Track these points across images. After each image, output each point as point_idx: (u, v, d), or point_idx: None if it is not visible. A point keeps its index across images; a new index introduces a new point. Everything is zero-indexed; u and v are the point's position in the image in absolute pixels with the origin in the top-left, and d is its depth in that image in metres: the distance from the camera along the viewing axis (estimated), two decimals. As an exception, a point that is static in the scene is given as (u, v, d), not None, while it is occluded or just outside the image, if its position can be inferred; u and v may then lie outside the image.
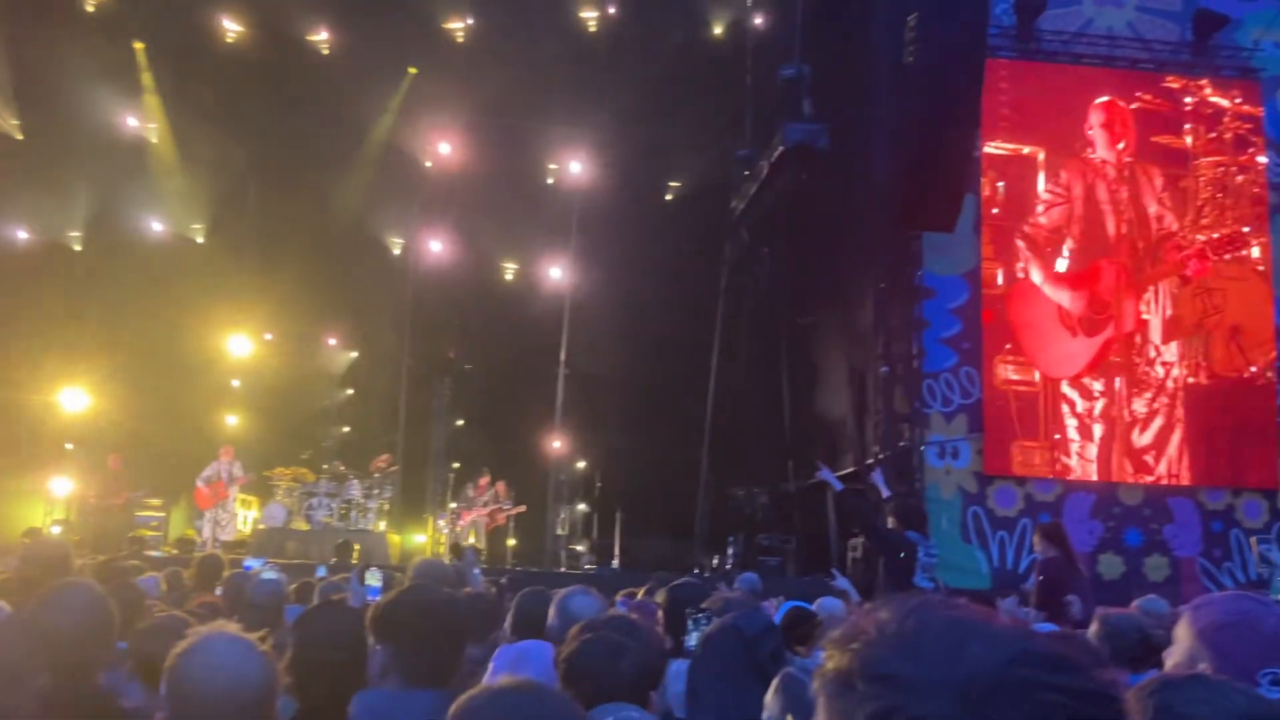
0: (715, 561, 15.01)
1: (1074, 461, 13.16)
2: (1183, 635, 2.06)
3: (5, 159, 16.23)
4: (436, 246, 18.09)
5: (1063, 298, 13.42)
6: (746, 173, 15.72)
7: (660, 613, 3.90)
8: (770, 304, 16.38)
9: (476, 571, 6.43)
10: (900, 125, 12.28)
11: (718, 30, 16.35)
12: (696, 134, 16.91)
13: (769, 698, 2.26)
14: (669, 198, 18.35)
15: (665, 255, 17.31)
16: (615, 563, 15.32)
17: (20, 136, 16.47)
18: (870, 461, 13.46)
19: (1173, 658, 2.07)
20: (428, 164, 17.81)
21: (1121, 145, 13.70)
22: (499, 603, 4.22)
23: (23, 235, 17.13)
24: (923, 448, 13.00)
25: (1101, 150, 13.70)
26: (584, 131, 17.03)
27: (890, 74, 12.81)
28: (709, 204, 17.41)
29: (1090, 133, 13.74)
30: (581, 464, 17.30)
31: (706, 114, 16.64)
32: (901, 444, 13.17)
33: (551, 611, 3.57)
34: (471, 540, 15.34)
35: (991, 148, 13.51)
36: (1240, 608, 2.04)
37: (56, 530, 13.98)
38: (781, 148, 13.07)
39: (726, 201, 16.91)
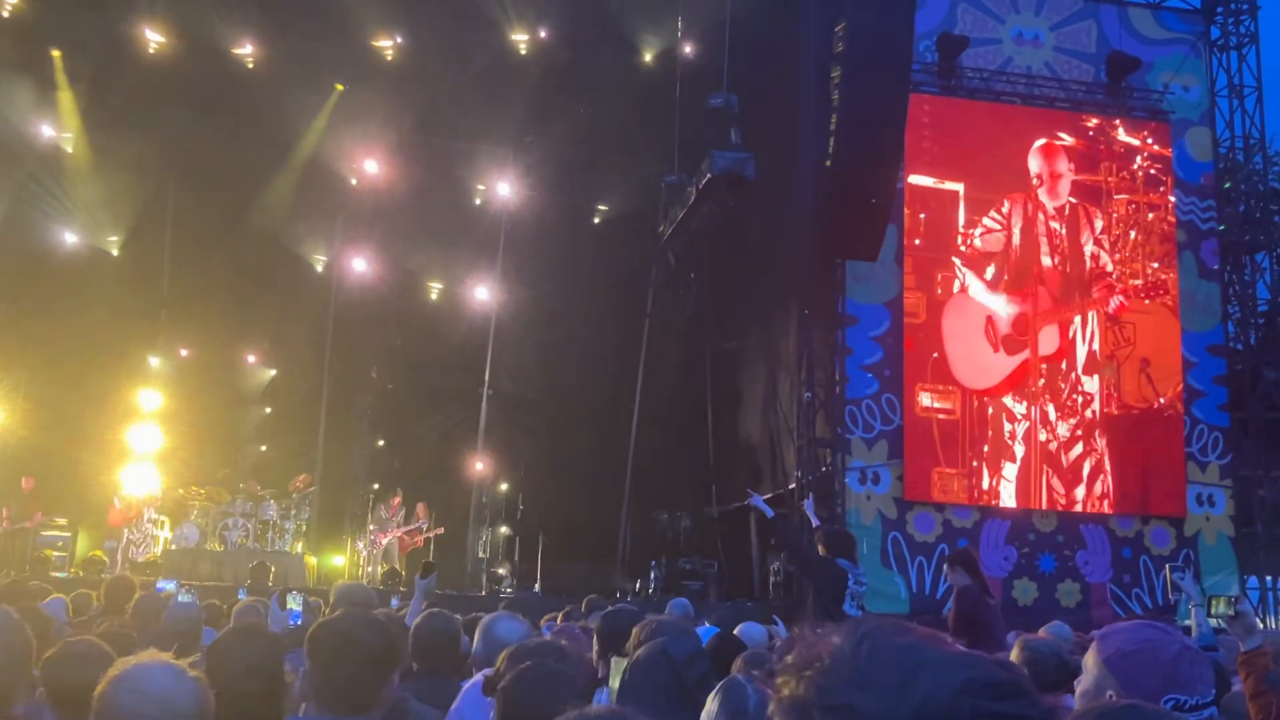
0: (638, 586, 15.00)
1: (993, 483, 13.44)
2: (1091, 663, 2.13)
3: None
4: (360, 264, 17.85)
5: (997, 303, 13.76)
6: (674, 198, 15.84)
7: (594, 639, 3.88)
8: (695, 328, 16.50)
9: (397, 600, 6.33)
10: (825, 156, 12.51)
11: (648, 57, 16.48)
12: (625, 158, 17.00)
13: (709, 704, 2.26)
14: (596, 220, 18.41)
15: (592, 278, 17.35)
16: (537, 586, 15.21)
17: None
18: (793, 486, 13.62)
19: (1082, 684, 2.13)
20: (353, 181, 17.60)
21: (1061, 187, 14.16)
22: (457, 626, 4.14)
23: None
24: (845, 473, 13.18)
25: (1042, 190, 14.13)
26: (512, 153, 17.02)
27: (816, 106, 13.06)
28: (636, 228, 17.49)
29: (1031, 175, 14.15)
30: (504, 486, 17.18)
31: (635, 139, 16.75)
32: (823, 469, 13.34)
33: (476, 636, 3.52)
34: (392, 564, 15.12)
35: (914, 179, 13.82)
36: (1143, 636, 2.10)
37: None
38: (709, 175, 13.21)
39: (654, 226, 17.00)
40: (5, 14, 15.44)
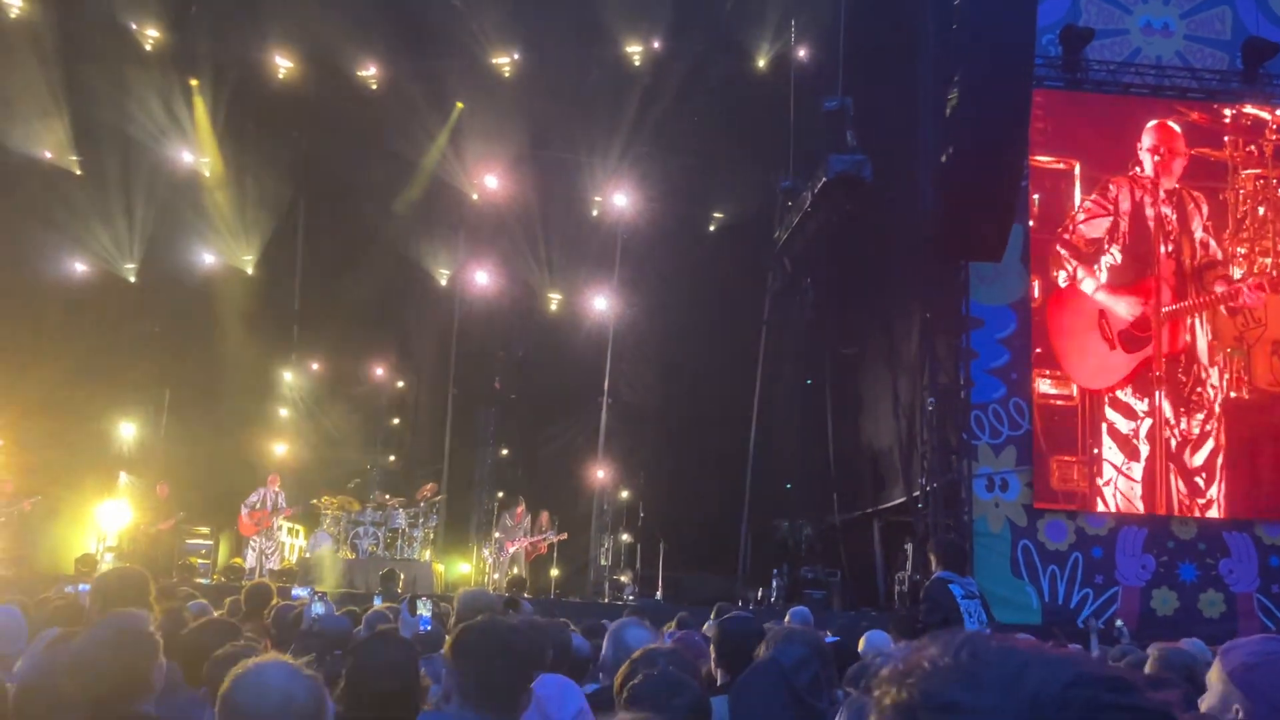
0: (759, 594, 14.90)
1: (1117, 481, 12.93)
2: (1215, 678, 2.10)
3: (65, 194, 16.62)
4: (482, 277, 18.27)
5: (1119, 305, 13.25)
6: (790, 203, 15.74)
7: (711, 647, 3.88)
8: (813, 334, 16.33)
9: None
10: (944, 156, 12.25)
11: (761, 63, 16.41)
12: (739, 165, 16.98)
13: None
14: (712, 228, 18.40)
15: (708, 285, 17.35)
16: (659, 594, 15.25)
17: (79, 172, 16.86)
18: (917, 494, 13.35)
19: (1206, 700, 2.09)
20: (474, 196, 18.01)
21: (1175, 166, 13.59)
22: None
23: (80, 268, 17.49)
24: (971, 480, 12.86)
25: (1150, 170, 13.60)
26: (628, 163, 17.16)
27: (934, 104, 12.81)
28: (752, 234, 17.44)
29: (1141, 153, 13.63)
30: (625, 494, 17.29)
31: (749, 145, 16.70)
32: (949, 476, 13.03)
33: (605, 642, 3.57)
34: (515, 571, 15.36)
35: (1030, 160, 13.40)
36: (1267, 649, 2.07)
37: (109, 558, 14.18)
38: (825, 178, 13.08)
39: (769, 232, 16.93)
40: (149, 47, 16.30)
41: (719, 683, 3.83)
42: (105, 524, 15.34)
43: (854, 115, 12.97)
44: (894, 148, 13.73)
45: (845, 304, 16.04)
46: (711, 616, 6.79)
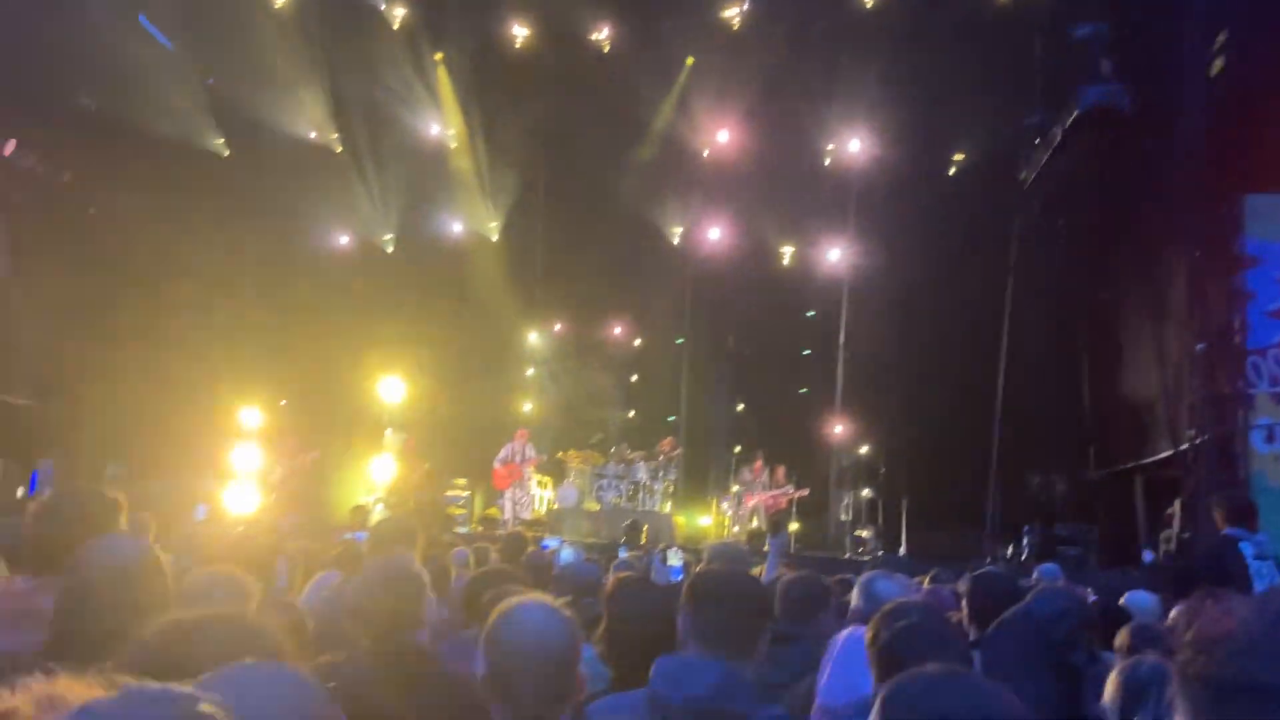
0: (1009, 552, 14.35)
1: None
2: None
3: (327, 170, 17.93)
4: (715, 233, 18.33)
5: None
6: (1037, 140, 14.87)
7: (964, 601, 3.76)
8: (1066, 279, 15.43)
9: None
10: (1214, 80, 11.20)
11: (1002, -7, 15.52)
12: (980, 103, 16.08)
13: (1110, 686, 2.11)
14: (952, 172, 17.63)
15: (949, 232, 16.65)
16: (902, 550, 14.97)
17: (339, 149, 18.14)
18: (1185, 447, 12.43)
19: None
20: (705, 152, 18.04)
21: None
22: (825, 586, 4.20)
23: (343, 239, 18.89)
24: (1248, 432, 11.82)
25: None
26: (862, 109, 16.68)
27: (1201, 23, 11.72)
28: (996, 176, 16.61)
29: None
30: (864, 449, 17.01)
31: (991, 81, 15.81)
32: (1222, 428, 12.03)
33: (855, 593, 3.53)
34: (755, 524, 15.45)
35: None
36: None
37: (380, 509, 15.30)
38: (1076, 111, 12.25)
39: (1015, 172, 16.06)
40: (395, 25, 17.24)
41: (970, 638, 3.71)
42: (375, 477, 16.59)
43: (1109, 42, 12.07)
44: (1155, 74, 12.67)
45: (1102, 246, 15.04)
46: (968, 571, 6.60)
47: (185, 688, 0.90)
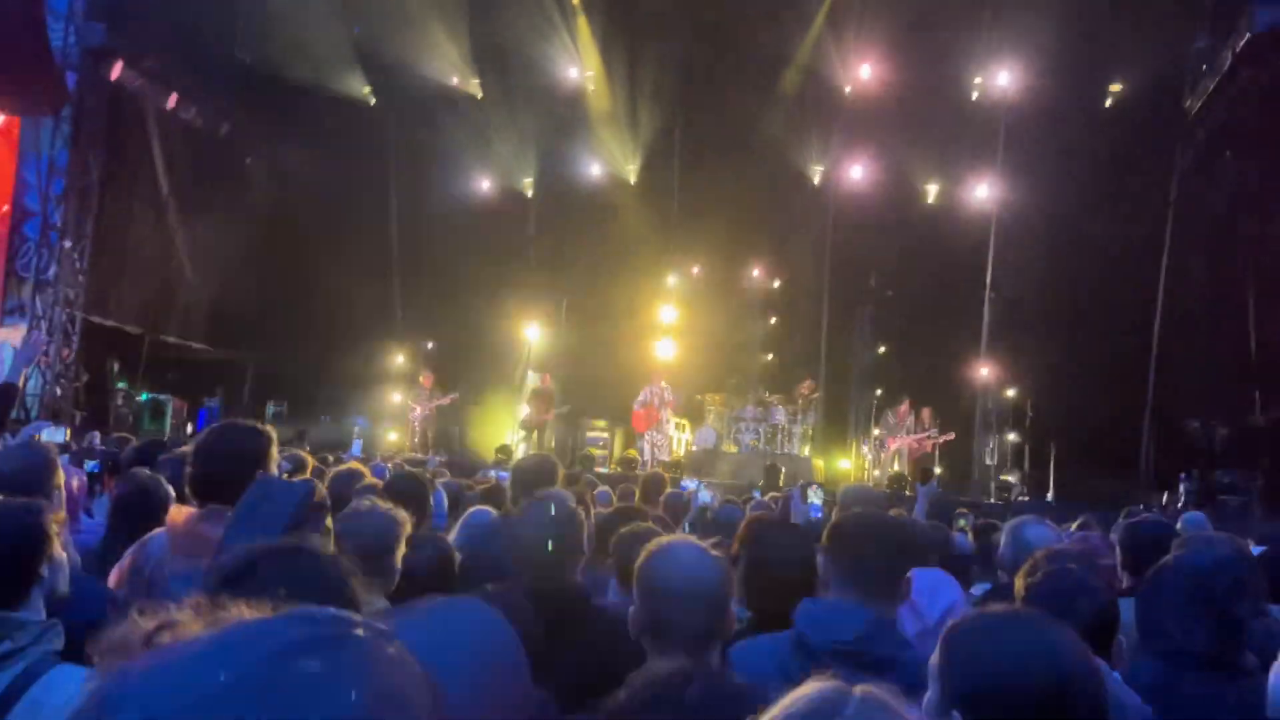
0: (1164, 499, 13.80)
1: None
2: None
3: (470, 117, 18.24)
4: (857, 172, 17.93)
5: None
6: (1204, 67, 13.98)
7: (1117, 549, 3.66)
8: (1233, 214, 14.55)
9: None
10: None
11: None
12: (1140, 27, 15.16)
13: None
14: (1109, 103, 16.74)
15: (1104, 166, 15.87)
16: (1050, 495, 14.56)
17: (480, 95, 18.40)
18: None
19: None
20: (847, 89, 17.60)
21: None
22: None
23: (485, 185, 19.23)
24: None
25: None
26: (1012, 38, 15.96)
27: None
28: (1157, 106, 15.70)
29: None
30: (1011, 392, 16.53)
31: (1153, 3, 14.91)
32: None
33: (1003, 538, 3.48)
34: (896, 468, 15.27)
35: None
36: None
37: (523, 449, 15.72)
38: (1249, 34, 11.46)
39: (1179, 101, 15.16)
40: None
41: (1124, 585, 3.61)
42: (517, 417, 17.04)
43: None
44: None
45: (1274, 178, 14.11)
46: (1120, 518, 6.39)
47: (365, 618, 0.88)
